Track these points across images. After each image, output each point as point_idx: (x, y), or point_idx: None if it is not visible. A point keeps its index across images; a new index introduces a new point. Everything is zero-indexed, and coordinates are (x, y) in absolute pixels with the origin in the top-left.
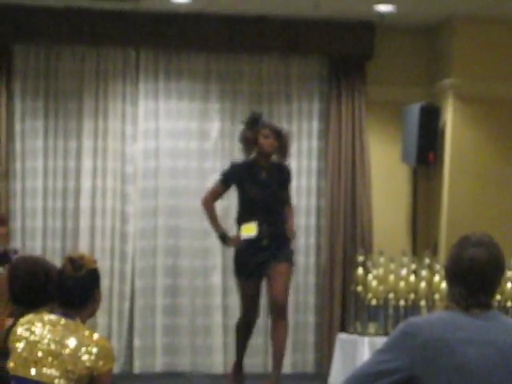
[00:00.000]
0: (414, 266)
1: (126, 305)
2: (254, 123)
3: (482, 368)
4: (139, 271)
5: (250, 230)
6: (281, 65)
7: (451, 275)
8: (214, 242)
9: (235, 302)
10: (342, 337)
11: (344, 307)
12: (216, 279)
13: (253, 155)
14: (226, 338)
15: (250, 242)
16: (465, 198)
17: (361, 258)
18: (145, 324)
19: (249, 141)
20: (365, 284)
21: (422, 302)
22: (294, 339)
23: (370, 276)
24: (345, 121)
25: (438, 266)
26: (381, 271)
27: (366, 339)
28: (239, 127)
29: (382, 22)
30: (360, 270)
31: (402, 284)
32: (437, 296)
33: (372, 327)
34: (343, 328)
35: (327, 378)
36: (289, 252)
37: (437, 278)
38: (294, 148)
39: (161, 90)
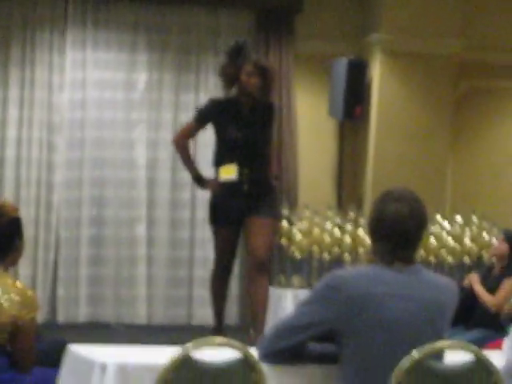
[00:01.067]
0: (338, 220)
1: (51, 255)
2: (236, 56)
3: (404, 322)
4: (64, 221)
5: (229, 173)
6: (209, 17)
7: (374, 230)
8: (140, 192)
9: (159, 252)
10: None
11: (269, 260)
12: (141, 230)
13: (234, 91)
14: (149, 289)
15: (228, 186)
16: (391, 152)
17: (285, 212)
18: (69, 274)
19: (229, 77)
20: (289, 237)
21: (347, 256)
22: None
23: (294, 229)
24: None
25: (362, 220)
26: (305, 224)
27: (290, 292)
28: (167, 78)
29: None
30: (285, 223)
31: (326, 237)
32: (361, 250)
33: (296, 280)
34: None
35: (250, 330)
36: (272, 204)
37: (361, 231)
38: None
39: (88, 40)
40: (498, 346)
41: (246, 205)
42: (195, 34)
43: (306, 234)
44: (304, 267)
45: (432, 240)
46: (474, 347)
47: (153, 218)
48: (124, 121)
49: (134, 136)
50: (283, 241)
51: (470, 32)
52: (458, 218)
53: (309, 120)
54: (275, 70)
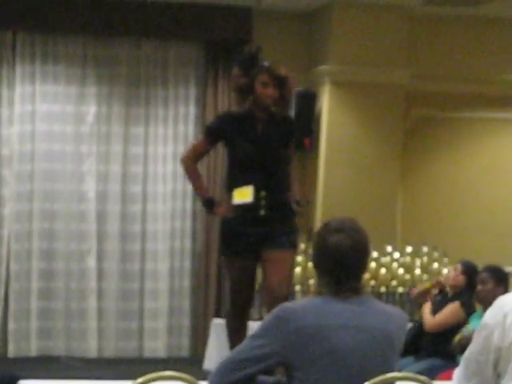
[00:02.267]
0: None
1: (1, 288)
2: (249, 65)
3: (355, 353)
4: (14, 254)
5: (244, 196)
6: (158, 49)
7: (317, 264)
8: (90, 225)
9: (109, 285)
10: (217, 321)
11: (219, 292)
12: (91, 262)
13: (247, 105)
14: (100, 321)
15: (243, 211)
16: (340, 182)
17: None
18: (20, 307)
19: (243, 89)
20: None
21: (297, 287)
22: (169, 323)
23: None
24: (221, 106)
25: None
26: None
27: None
28: (116, 111)
29: (259, 6)
30: None
31: None
32: (311, 281)
33: None
34: (218, 313)
35: (202, 363)
36: (292, 233)
37: (311, 263)
38: (170, 132)
39: (37, 73)
40: (449, 377)
41: (263, 232)
42: (144, 66)
43: None
44: (256, 299)
45: (383, 271)
46: (424, 378)
47: (103, 250)
48: (74, 153)
49: (84, 169)
50: None
51: (417, 62)
52: (409, 249)
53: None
54: (294, 78)
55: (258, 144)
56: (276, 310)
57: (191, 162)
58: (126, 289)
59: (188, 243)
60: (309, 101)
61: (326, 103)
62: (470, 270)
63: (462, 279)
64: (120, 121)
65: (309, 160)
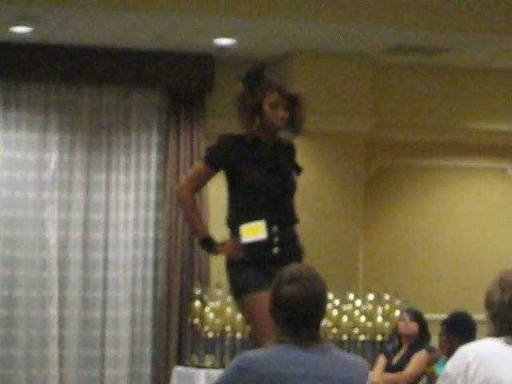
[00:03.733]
0: None
1: None
2: (256, 83)
3: None
4: None
5: (255, 232)
6: (121, 96)
7: (273, 314)
8: (51, 272)
9: (71, 332)
10: (178, 369)
11: (181, 339)
12: (52, 310)
13: (254, 127)
14: (61, 369)
15: (254, 250)
16: (301, 230)
17: (198, 291)
18: None
19: (249, 109)
20: (202, 316)
21: None
22: (131, 371)
23: (207, 308)
24: (183, 153)
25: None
26: (218, 304)
27: (203, 372)
28: (78, 158)
29: (222, 55)
30: (197, 303)
31: (238, 317)
32: None
33: (208, 360)
34: (180, 360)
35: None
36: None
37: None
38: (132, 180)
39: (0, 119)
40: None
41: (275, 273)
42: (106, 113)
43: (219, 313)
44: (216, 347)
45: (344, 318)
46: None
47: (64, 297)
48: (35, 200)
49: (46, 215)
50: (195, 320)
51: (379, 110)
52: (371, 296)
53: (220, 199)
54: (306, 98)
55: (266, 171)
56: (237, 360)
57: (188, 193)
58: (88, 336)
59: (149, 291)
60: None
61: None
62: (418, 316)
63: (413, 326)
64: (82, 168)
65: None
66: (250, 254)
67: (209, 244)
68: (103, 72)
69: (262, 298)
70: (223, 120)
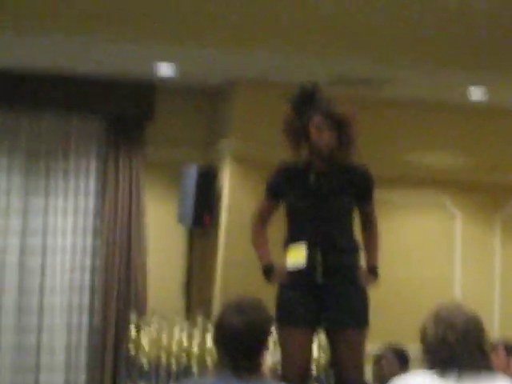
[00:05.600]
0: (187, 328)
1: None
2: (304, 105)
3: None
4: None
5: (296, 257)
6: (60, 122)
7: (215, 342)
8: None
9: (4, 359)
10: None
11: (116, 368)
12: None
13: (304, 153)
14: None
15: (297, 276)
16: (241, 258)
17: (133, 318)
18: None
19: (295, 133)
20: (137, 344)
21: (195, 365)
22: None
23: (142, 336)
24: (122, 181)
25: (210, 327)
26: (153, 332)
27: None
28: (16, 183)
29: (162, 83)
30: (132, 330)
31: (174, 345)
32: (209, 358)
33: None
34: None
35: None
36: (361, 305)
37: (209, 337)
38: (70, 206)
39: None
40: None
41: (321, 302)
42: (45, 139)
43: (155, 341)
44: (152, 376)
45: None
46: None
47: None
48: None
49: None
50: (131, 348)
51: None
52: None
53: (159, 227)
54: (355, 116)
55: (308, 197)
56: None
57: (258, 226)
58: (21, 363)
59: (85, 317)
60: (209, 177)
61: (226, 180)
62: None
63: (397, 367)
64: (19, 193)
65: (209, 235)
66: (294, 280)
67: (266, 272)
68: (42, 97)
69: (292, 337)
70: (164, 149)
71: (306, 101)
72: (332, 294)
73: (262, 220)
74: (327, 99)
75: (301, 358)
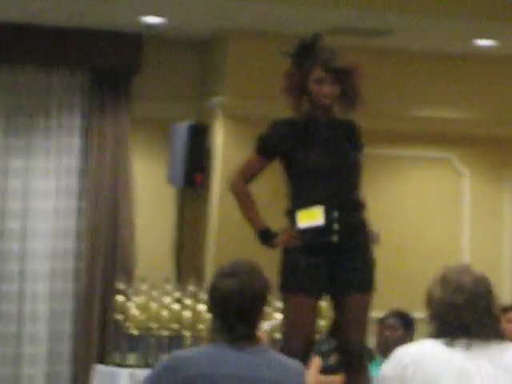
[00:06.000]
0: (178, 294)
1: None
2: (304, 57)
3: None
4: None
5: (312, 217)
6: (40, 76)
7: (209, 308)
8: None
9: None
10: (99, 368)
11: (103, 337)
12: None
13: (304, 107)
14: None
15: (311, 236)
16: (235, 221)
17: (121, 285)
18: None
19: (295, 88)
20: (125, 312)
21: (187, 333)
22: (49, 370)
23: (130, 304)
24: (108, 138)
25: (203, 295)
26: (142, 299)
27: (126, 371)
28: None
29: (150, 34)
30: (120, 298)
31: (164, 313)
32: (202, 326)
33: (132, 358)
34: (102, 359)
35: None
36: (369, 266)
37: (202, 307)
38: (53, 166)
39: None
40: None
41: (332, 264)
42: (25, 94)
43: (143, 309)
44: (141, 344)
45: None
46: None
47: None
48: None
49: None
50: (118, 316)
51: None
52: None
53: (147, 187)
54: (359, 68)
55: (325, 151)
56: (165, 359)
57: (241, 186)
58: (2, 332)
59: (70, 284)
60: (200, 134)
61: (219, 137)
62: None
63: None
64: None
65: (201, 197)
66: (306, 241)
67: (267, 236)
68: (21, 50)
69: (304, 304)
70: (150, 104)
71: (306, 54)
72: (346, 257)
73: (244, 179)
74: (330, 50)
75: (308, 327)
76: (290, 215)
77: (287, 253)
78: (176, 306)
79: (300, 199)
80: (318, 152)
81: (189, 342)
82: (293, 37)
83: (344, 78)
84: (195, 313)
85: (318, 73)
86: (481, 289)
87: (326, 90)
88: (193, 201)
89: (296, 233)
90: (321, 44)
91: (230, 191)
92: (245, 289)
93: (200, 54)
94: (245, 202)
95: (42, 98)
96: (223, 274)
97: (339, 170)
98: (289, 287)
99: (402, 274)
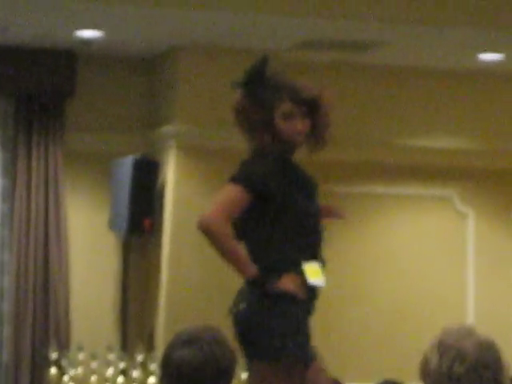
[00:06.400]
0: (123, 365)
1: None
2: (260, 88)
3: None
4: None
5: (315, 274)
6: None
7: (161, 379)
8: None
9: None
10: None
11: None
12: None
13: (266, 144)
14: None
15: (311, 297)
16: (190, 276)
17: (54, 355)
18: None
19: (254, 123)
20: None
21: None
22: None
23: (65, 377)
24: (36, 176)
25: (153, 365)
26: (80, 371)
27: None
28: None
29: (85, 51)
30: (53, 370)
31: None
32: None
33: None
34: None
35: None
36: None
37: (152, 380)
38: None
39: None
40: None
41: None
42: None
43: (81, 383)
44: None
45: None
46: None
47: None
48: None
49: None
50: None
51: None
52: None
53: (84, 235)
54: (328, 96)
55: (308, 195)
56: None
57: (224, 225)
58: None
59: None
60: (149, 170)
61: (171, 172)
62: None
63: None
64: None
65: (150, 245)
66: (308, 301)
67: (263, 281)
68: None
69: (302, 376)
70: (87, 134)
71: (258, 81)
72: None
73: (229, 217)
74: (281, 75)
75: None
76: (276, 270)
77: (289, 306)
78: (121, 380)
79: (295, 252)
80: (303, 197)
81: None
82: (259, 52)
83: (314, 110)
84: None
85: (285, 106)
86: (486, 356)
87: (299, 126)
88: (140, 250)
89: (301, 283)
90: (271, 68)
91: (206, 232)
92: (206, 360)
93: (146, 75)
94: (232, 246)
95: None
96: (179, 342)
97: (320, 222)
98: (293, 354)
99: (394, 339)
